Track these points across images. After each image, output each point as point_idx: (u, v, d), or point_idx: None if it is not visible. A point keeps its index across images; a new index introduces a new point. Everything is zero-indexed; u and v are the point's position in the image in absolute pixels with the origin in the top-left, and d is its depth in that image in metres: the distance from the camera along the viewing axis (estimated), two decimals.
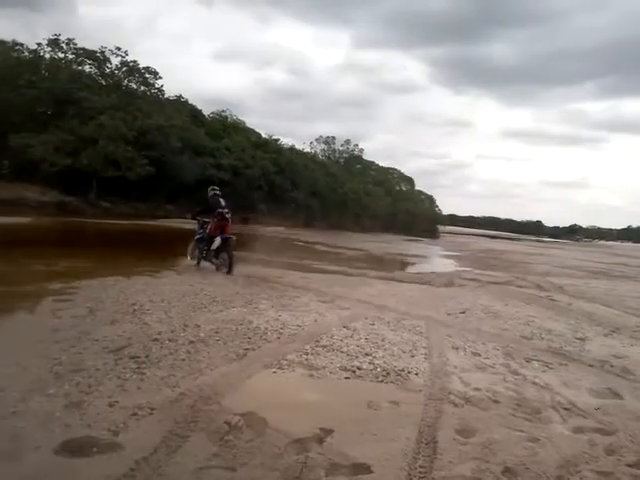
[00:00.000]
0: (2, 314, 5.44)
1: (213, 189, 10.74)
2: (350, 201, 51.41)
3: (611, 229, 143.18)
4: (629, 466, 3.04)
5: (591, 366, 5.26)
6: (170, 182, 34.40)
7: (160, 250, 15.25)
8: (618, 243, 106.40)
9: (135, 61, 35.07)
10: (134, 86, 35.54)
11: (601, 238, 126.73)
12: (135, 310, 5.89)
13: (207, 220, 10.45)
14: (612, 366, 5.31)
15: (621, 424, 3.68)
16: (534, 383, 4.49)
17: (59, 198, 28.99)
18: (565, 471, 2.89)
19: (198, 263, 10.39)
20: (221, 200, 10.51)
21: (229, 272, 9.67)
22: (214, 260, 10.09)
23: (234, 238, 10.17)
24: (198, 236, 10.59)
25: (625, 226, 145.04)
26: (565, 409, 3.94)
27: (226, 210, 10.30)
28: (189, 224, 27.94)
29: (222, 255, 10.00)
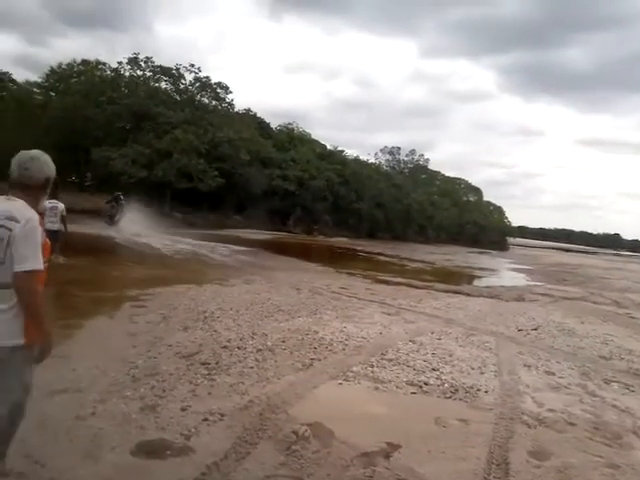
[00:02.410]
0: (85, 317, 5.80)
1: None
2: (414, 212, 50.69)
3: None
4: None
5: None
6: (239, 193, 35.43)
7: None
8: None
9: (208, 77, 36.55)
10: (206, 101, 36.99)
11: None
12: (206, 317, 6.10)
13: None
14: None
15: None
16: (614, 406, 4.25)
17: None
18: None
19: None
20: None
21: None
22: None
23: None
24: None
25: None
26: None
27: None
28: (260, 234, 28.46)
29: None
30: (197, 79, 36.06)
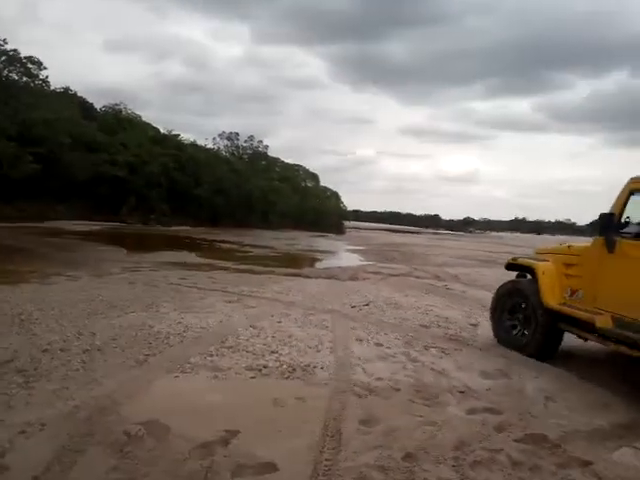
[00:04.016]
0: None
1: None
2: (256, 198, 51.00)
3: (500, 220, 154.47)
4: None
5: (481, 350, 5.64)
6: (60, 180, 32.07)
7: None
8: (508, 234, 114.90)
9: (15, 50, 32.26)
10: (15, 77, 32.65)
11: (492, 229, 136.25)
12: (22, 320, 5.44)
13: None
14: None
15: (509, 403, 4.00)
16: (432, 369, 4.75)
17: None
18: (460, 452, 3.08)
19: None
20: None
21: None
22: None
23: None
24: None
25: (512, 217, 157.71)
26: (460, 392, 4.20)
27: None
28: (88, 225, 26.15)
29: None
30: (2, 52, 31.61)
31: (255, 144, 65.50)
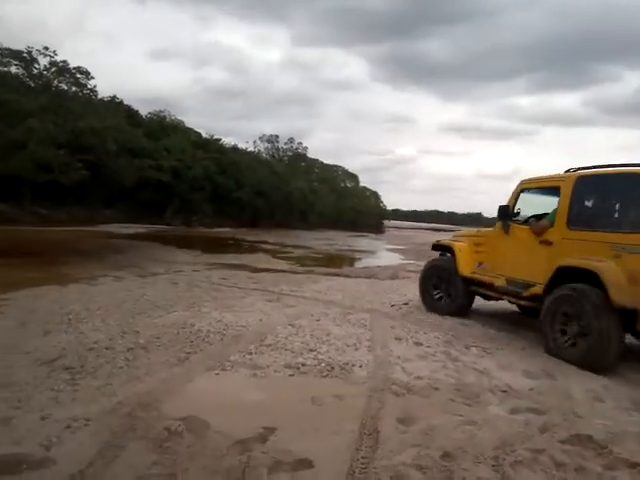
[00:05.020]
0: None
1: None
2: (295, 199, 51.37)
3: None
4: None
5: (524, 349, 5.47)
6: (107, 186, 33.22)
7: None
8: None
9: (65, 61, 33.54)
10: (65, 87, 34.00)
11: None
12: (70, 320, 5.65)
13: None
14: None
15: (554, 403, 3.85)
16: (473, 369, 4.65)
17: None
18: (501, 452, 3.00)
19: None
20: None
21: None
22: None
23: None
24: None
25: None
26: (502, 391, 4.09)
27: None
28: (135, 229, 26.97)
29: None
30: (53, 63, 32.96)
31: (295, 146, 66.09)
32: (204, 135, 50.01)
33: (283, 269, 13.17)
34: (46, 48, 32.70)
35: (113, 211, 34.61)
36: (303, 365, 4.40)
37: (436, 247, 7.97)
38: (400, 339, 5.55)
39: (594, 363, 4.79)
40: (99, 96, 37.06)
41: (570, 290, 5.12)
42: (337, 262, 19.14)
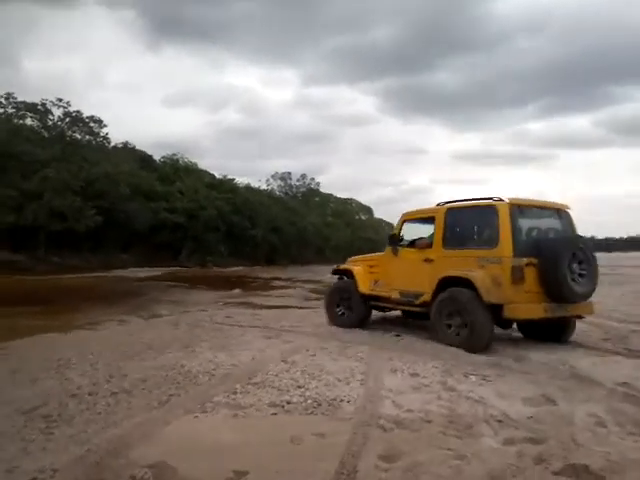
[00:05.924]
0: None
1: None
2: (310, 234, 51.48)
3: None
4: None
5: (526, 374, 5.23)
6: (122, 230, 33.77)
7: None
8: None
9: (78, 111, 34.82)
10: (78, 136, 35.10)
11: None
12: (59, 365, 5.59)
13: None
14: None
15: (553, 431, 3.62)
16: (468, 397, 4.42)
17: (7, 257, 27.93)
18: None
19: None
20: None
21: None
22: None
23: None
24: None
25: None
26: (498, 421, 3.88)
27: None
28: (148, 272, 27.07)
29: None
30: (67, 114, 34.17)
31: (307, 182, 66.61)
32: (217, 176, 50.86)
33: (289, 305, 13.03)
34: (60, 100, 34.02)
35: (129, 255, 35.05)
36: (288, 403, 4.24)
37: (336, 272, 9.08)
38: (396, 371, 5.34)
39: (474, 346, 6.18)
40: (112, 143, 38.18)
41: (451, 294, 6.54)
42: None
